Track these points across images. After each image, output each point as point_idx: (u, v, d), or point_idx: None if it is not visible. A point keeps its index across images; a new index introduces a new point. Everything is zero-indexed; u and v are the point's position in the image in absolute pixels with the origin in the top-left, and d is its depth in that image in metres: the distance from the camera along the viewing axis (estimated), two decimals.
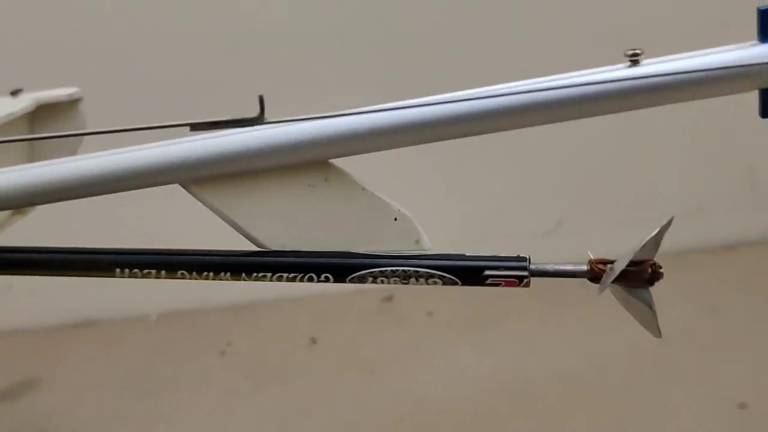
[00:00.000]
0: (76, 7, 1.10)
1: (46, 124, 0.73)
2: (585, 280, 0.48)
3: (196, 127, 0.44)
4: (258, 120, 0.44)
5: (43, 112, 0.73)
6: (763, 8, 0.43)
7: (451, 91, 0.47)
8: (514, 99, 0.45)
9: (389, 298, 1.13)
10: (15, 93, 0.72)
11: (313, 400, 0.94)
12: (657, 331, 0.47)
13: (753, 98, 0.45)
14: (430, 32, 1.17)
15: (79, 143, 0.74)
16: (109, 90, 1.06)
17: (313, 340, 1.07)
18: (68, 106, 0.73)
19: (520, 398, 0.91)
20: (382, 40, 1.16)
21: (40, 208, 0.64)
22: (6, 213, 0.68)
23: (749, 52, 0.43)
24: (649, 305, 0.47)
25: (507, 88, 0.46)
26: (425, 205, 1.22)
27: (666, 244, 1.50)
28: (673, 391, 0.89)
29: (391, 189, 1.27)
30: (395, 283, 0.49)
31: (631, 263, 0.47)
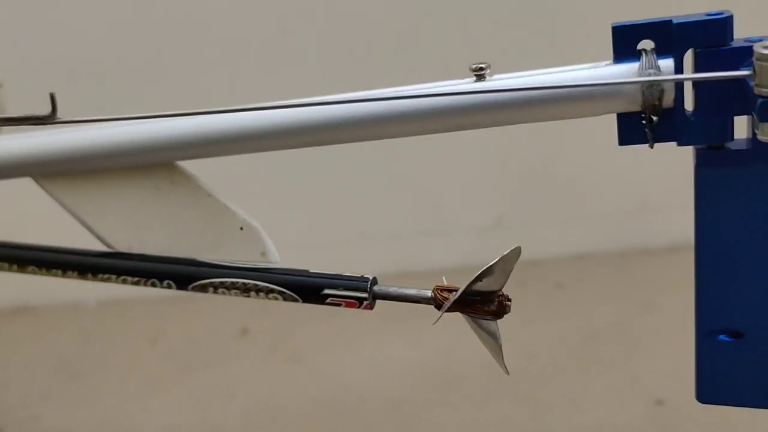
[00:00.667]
0: None
1: None
2: None
3: None
4: (49, 118, 0.42)
5: None
6: (618, 25, 0.39)
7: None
8: (359, 107, 0.43)
9: None
10: None
11: (238, 386, 0.95)
12: (503, 365, 0.44)
13: None
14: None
15: None
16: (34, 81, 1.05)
17: (245, 331, 1.07)
18: None
19: (443, 386, 0.92)
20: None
21: None
22: None
23: (601, 71, 0.40)
24: (495, 338, 0.44)
25: (350, 96, 0.43)
26: (360, 195, 1.22)
27: (608, 242, 1.46)
28: (594, 383, 0.89)
29: (322, 178, 1.24)
30: (236, 295, 0.47)
31: (477, 293, 0.43)
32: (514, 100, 0.40)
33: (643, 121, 0.39)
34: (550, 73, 0.40)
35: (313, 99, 0.43)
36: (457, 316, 1.06)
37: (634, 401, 0.86)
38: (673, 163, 1.22)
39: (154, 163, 0.47)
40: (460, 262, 1.22)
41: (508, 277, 0.43)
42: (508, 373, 0.45)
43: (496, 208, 1.23)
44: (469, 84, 0.40)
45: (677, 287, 1.11)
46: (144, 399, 0.93)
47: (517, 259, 0.42)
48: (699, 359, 0.43)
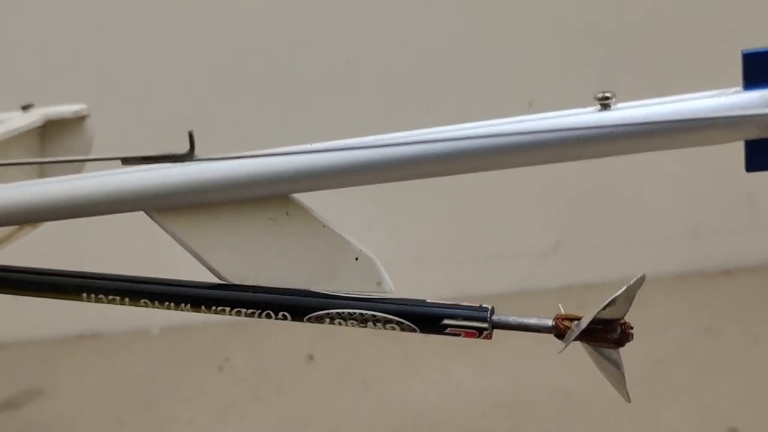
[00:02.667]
0: (90, 26, 1.13)
1: (54, 139, 0.75)
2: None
3: (128, 161, 0.43)
4: (187, 156, 0.42)
5: (51, 127, 0.74)
6: (748, 52, 0.39)
7: (423, 128, 0.45)
8: (474, 142, 0.43)
9: None
10: (26, 108, 0.74)
11: (309, 414, 0.94)
12: (626, 394, 0.44)
13: None
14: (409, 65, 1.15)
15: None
16: (116, 107, 1.08)
17: (310, 357, 1.08)
18: (75, 122, 0.74)
19: (514, 413, 0.91)
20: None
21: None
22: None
23: (732, 100, 0.40)
24: (618, 366, 0.44)
25: (470, 128, 0.43)
26: (423, 224, 1.22)
27: (663, 266, 1.46)
28: (665, 410, 0.88)
29: (382, 205, 1.25)
30: (353, 326, 0.48)
31: (600, 321, 0.43)
32: (641, 130, 0.40)
33: None
34: (677, 101, 0.40)
35: (433, 132, 0.44)
36: (521, 343, 1.07)
37: (707, 429, 0.85)
38: (727, 187, 1.23)
39: (271, 195, 0.48)
40: (518, 286, 1.22)
41: (630, 304, 0.43)
42: (629, 401, 0.44)
43: (554, 233, 1.23)
44: (598, 114, 0.41)
45: (736, 310, 1.11)
46: (218, 428, 0.93)
47: (640, 286, 0.42)
48: None
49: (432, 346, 1.07)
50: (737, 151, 1.26)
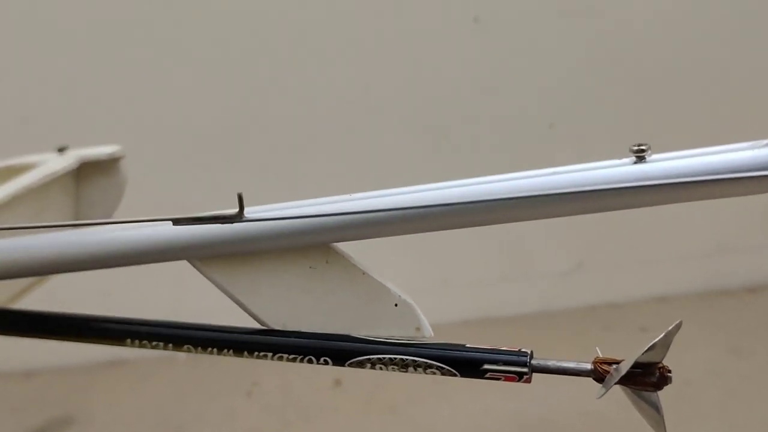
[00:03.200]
0: (126, 68, 1.15)
1: (90, 181, 0.76)
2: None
3: (179, 222, 0.45)
4: (237, 217, 0.44)
5: (86, 169, 0.75)
6: None
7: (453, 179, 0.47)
8: (515, 193, 0.44)
9: None
10: (61, 150, 0.76)
11: None
12: None
13: None
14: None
15: (120, 199, 0.77)
16: (150, 148, 1.10)
17: (338, 382, 1.08)
18: (110, 163, 0.75)
19: None
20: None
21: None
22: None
23: (765, 153, 0.40)
24: (657, 408, 0.45)
25: (510, 179, 0.45)
26: (446, 246, 1.23)
27: (687, 285, 1.46)
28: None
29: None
30: (393, 371, 0.49)
31: (638, 365, 0.44)
32: (677, 182, 0.41)
33: None
34: (711, 153, 0.41)
35: (474, 181, 0.45)
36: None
37: None
38: (749, 204, 1.23)
39: (311, 245, 0.49)
40: (542, 307, 1.23)
41: (668, 349, 0.44)
42: None
43: (576, 253, 1.24)
44: (635, 167, 0.42)
45: (762, 329, 1.11)
46: None
47: (677, 331, 0.43)
48: None
49: None
50: None
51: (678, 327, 0.43)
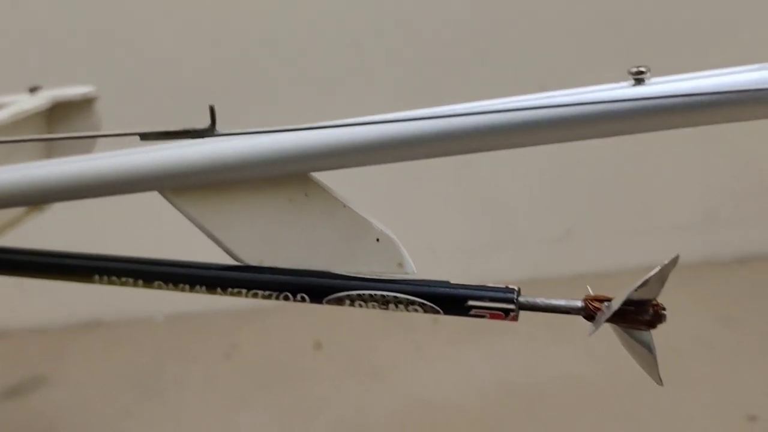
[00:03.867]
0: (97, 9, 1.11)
1: (62, 122, 0.73)
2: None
3: (146, 136, 0.42)
4: (208, 132, 0.41)
5: (59, 110, 0.72)
6: None
7: (447, 104, 0.44)
8: (506, 116, 0.41)
9: None
10: (33, 90, 0.72)
11: (317, 403, 0.93)
12: (658, 377, 0.43)
13: None
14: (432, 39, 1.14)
15: (94, 142, 0.74)
16: (124, 89, 1.06)
17: (318, 345, 1.06)
18: (84, 104, 0.72)
19: (527, 401, 0.90)
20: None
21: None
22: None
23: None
24: (650, 348, 0.42)
25: (501, 103, 0.42)
26: (434, 213, 1.21)
27: (676, 254, 1.43)
28: (683, 399, 0.88)
29: (392, 194, 1.24)
30: (374, 308, 0.46)
31: (631, 302, 0.42)
32: (677, 106, 0.39)
33: None
34: (713, 76, 0.39)
35: (459, 107, 0.43)
36: (533, 331, 1.06)
37: (726, 417, 0.84)
38: (740, 177, 1.22)
39: (289, 174, 0.46)
40: (530, 274, 1.21)
41: (663, 285, 0.41)
42: (661, 384, 0.43)
43: (565, 221, 1.22)
44: (633, 89, 0.39)
45: (751, 299, 1.10)
46: (227, 417, 0.92)
47: (674, 266, 0.41)
48: None
49: (443, 334, 1.05)
50: (751, 139, 1.26)
51: (675, 261, 0.41)
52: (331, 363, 1.03)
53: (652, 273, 0.41)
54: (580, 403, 0.89)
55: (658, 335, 1.13)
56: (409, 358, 1.02)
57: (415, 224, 1.21)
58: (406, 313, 1.16)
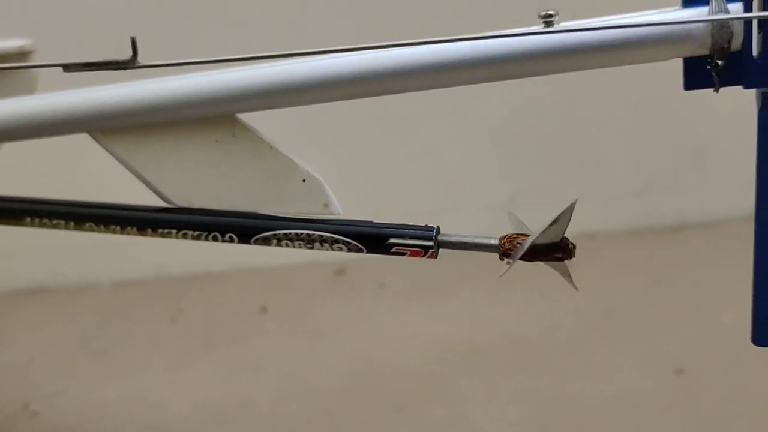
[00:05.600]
0: None
1: None
2: None
3: (69, 67, 0.43)
4: (131, 63, 0.42)
5: None
6: None
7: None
8: (422, 56, 0.43)
9: (341, 271, 1.14)
10: None
11: (264, 361, 0.95)
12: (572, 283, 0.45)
13: None
14: None
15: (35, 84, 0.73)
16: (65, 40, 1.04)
17: (264, 309, 1.08)
18: (19, 58, 0.72)
19: (467, 359, 0.93)
20: None
21: None
22: None
23: (672, 15, 0.40)
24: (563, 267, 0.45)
25: (418, 43, 0.43)
26: (375, 179, 1.22)
27: (615, 222, 1.49)
28: (616, 354, 0.91)
29: (337, 161, 1.25)
30: (300, 247, 0.48)
31: (543, 245, 0.44)
32: (584, 46, 0.41)
33: (710, 65, 0.40)
34: (619, 19, 0.41)
35: (370, 45, 0.44)
36: (476, 293, 1.09)
37: (656, 370, 0.88)
38: (680, 144, 1.26)
39: (215, 115, 0.47)
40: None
41: (566, 226, 0.44)
42: (577, 289, 0.45)
43: (507, 187, 1.25)
44: (542, 32, 0.41)
45: (686, 264, 1.15)
46: (170, 374, 0.93)
47: (573, 209, 0.44)
48: (756, 302, 0.44)
49: (387, 298, 1.08)
50: (686, 107, 1.28)
51: (573, 205, 0.43)
52: (276, 325, 1.04)
53: (558, 216, 0.43)
54: (518, 360, 0.92)
55: (594, 296, 1.16)
56: (354, 319, 1.04)
57: (358, 189, 1.22)
58: (350, 277, 1.18)
